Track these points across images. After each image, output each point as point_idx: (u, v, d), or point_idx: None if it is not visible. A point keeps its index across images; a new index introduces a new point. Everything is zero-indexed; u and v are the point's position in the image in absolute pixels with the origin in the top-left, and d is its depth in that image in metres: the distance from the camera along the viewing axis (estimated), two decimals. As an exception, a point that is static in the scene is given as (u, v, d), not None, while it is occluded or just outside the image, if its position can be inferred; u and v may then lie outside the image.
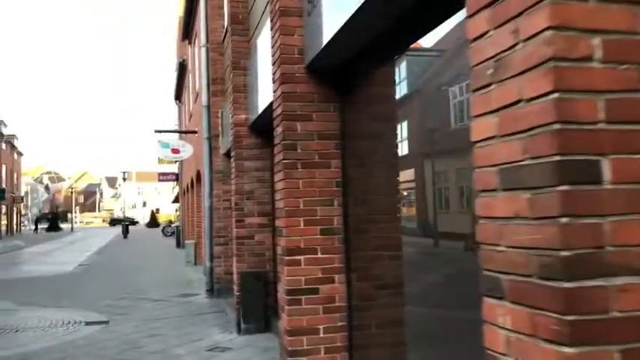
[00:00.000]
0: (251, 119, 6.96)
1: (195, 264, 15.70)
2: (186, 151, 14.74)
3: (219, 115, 9.98)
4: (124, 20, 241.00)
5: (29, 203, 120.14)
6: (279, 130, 4.12)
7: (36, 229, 53.72)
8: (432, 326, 3.50)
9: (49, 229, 55.68)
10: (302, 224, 4.14)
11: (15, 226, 52.18)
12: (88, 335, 7.10)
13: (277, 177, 4.31)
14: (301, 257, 4.11)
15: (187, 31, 17.01)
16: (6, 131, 48.04)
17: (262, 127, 6.98)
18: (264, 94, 6.17)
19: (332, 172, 4.11)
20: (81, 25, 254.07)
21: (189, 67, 17.82)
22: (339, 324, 4.02)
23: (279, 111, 4.11)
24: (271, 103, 4.52)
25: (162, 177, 30.39)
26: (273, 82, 4.27)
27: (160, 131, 15.25)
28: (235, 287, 7.19)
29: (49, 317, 8.25)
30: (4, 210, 45.63)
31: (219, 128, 10.00)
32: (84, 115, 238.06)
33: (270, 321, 6.91)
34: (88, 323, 7.82)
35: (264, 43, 5.77)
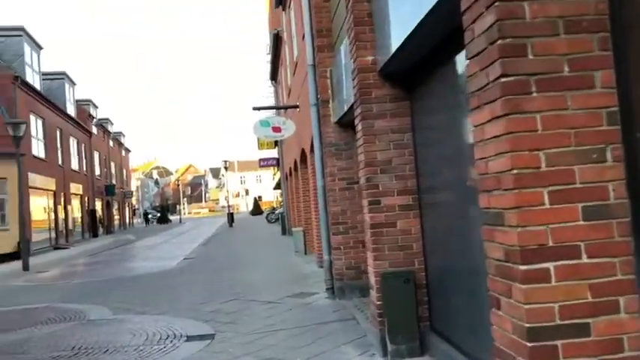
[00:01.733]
0: (381, 62, 4.99)
1: (306, 253, 14.14)
2: (288, 128, 13.08)
3: (328, 75, 8.11)
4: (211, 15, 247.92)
5: (140, 197, 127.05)
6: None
7: (146, 222, 55.66)
8: None
9: (159, 222, 57.51)
10: (546, 200, 2.13)
11: (128, 220, 54.27)
12: (187, 359, 5.55)
13: (485, 114, 2.33)
14: (550, 265, 2.12)
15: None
16: (113, 129, 49.71)
17: (398, 71, 5.00)
18: (401, 21, 4.18)
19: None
20: (160, 27, 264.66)
21: (285, 37, 16.15)
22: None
23: None
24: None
25: (263, 162, 29.38)
26: None
27: (259, 108, 13.73)
28: (374, 293, 5.31)
29: (145, 329, 6.86)
30: (115, 205, 47.29)
31: (329, 92, 8.14)
32: (185, 108, 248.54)
33: (426, 339, 4.96)
34: (189, 338, 6.30)
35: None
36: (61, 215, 28.81)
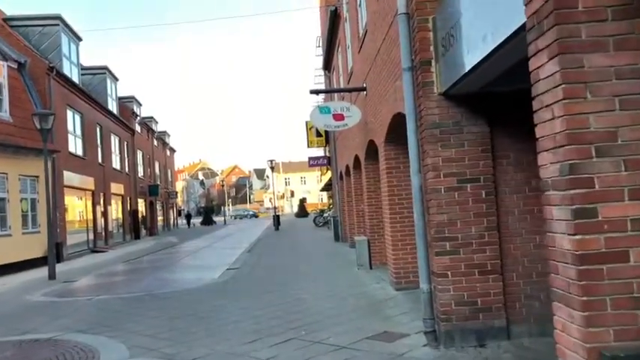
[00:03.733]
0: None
1: (371, 268, 11.71)
2: (354, 115, 10.72)
3: (430, 25, 5.66)
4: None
5: (185, 198, 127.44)
6: None
7: (188, 224, 54.17)
8: None
9: (202, 223, 56.13)
10: None
11: (172, 222, 53.04)
12: None
13: None
14: None
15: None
16: (157, 128, 48.53)
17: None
18: None
19: None
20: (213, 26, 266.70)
21: (345, 11, 13.75)
22: None
23: None
24: None
25: (313, 162, 27.13)
26: None
27: (317, 91, 11.44)
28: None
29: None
30: (159, 206, 46.01)
31: (431, 50, 5.68)
32: (231, 109, 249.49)
33: None
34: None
35: None
36: (100, 216, 27.27)
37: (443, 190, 5.63)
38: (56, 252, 20.17)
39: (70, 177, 22.49)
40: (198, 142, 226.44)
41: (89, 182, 25.47)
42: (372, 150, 11.14)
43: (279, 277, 11.69)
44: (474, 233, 5.59)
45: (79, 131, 24.69)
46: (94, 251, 24.82)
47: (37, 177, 19.32)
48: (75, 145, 23.96)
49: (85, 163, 24.98)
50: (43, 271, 15.43)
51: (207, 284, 11.59)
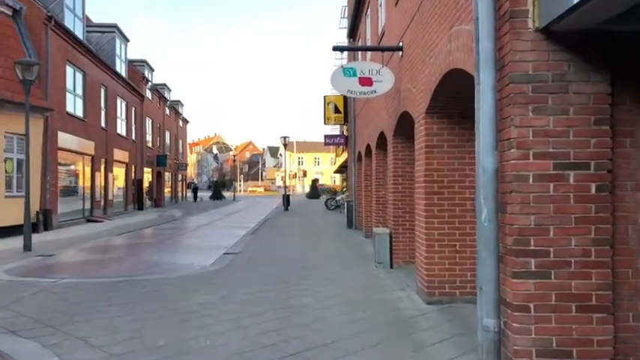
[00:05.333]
0: None
1: (392, 266, 9.81)
2: (385, 80, 8.74)
3: None
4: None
5: (196, 171, 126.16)
6: None
7: (195, 197, 52.17)
8: None
9: (212, 198, 54.47)
10: None
11: (180, 194, 51.42)
12: None
13: None
14: None
15: None
16: (170, 96, 46.70)
17: None
18: None
19: None
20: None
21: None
22: None
23: None
24: None
25: (329, 140, 25.15)
26: None
27: (341, 49, 9.49)
28: None
29: None
30: (168, 177, 44.37)
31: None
32: (249, 84, 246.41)
33: None
34: None
35: None
36: (100, 184, 25.58)
37: (532, 178, 3.68)
38: (44, 220, 18.58)
39: (66, 139, 20.74)
40: (215, 115, 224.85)
41: (89, 146, 23.74)
42: (404, 125, 9.16)
43: (281, 270, 9.83)
44: (574, 248, 3.65)
45: (79, 90, 22.88)
46: (89, 220, 23.19)
47: (25, 136, 17.54)
48: (74, 105, 22.18)
49: (85, 125, 23.22)
50: (20, 242, 13.71)
51: (196, 273, 9.77)
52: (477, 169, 3.99)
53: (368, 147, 14.81)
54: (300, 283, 8.51)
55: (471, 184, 6.89)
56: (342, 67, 8.81)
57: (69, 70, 21.44)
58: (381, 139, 11.94)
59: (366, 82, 8.68)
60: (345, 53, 20.12)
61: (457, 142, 6.92)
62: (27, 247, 13.01)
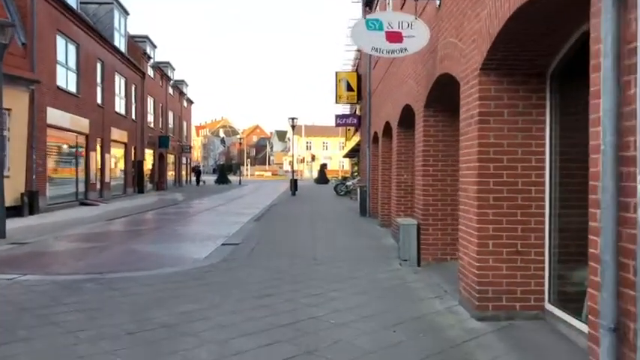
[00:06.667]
0: None
1: (419, 265, 8.16)
2: (418, 35, 7.07)
3: None
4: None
5: (205, 154, 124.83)
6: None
7: (197, 181, 50.14)
8: None
9: (217, 182, 52.94)
10: None
11: (185, 177, 49.86)
12: None
13: None
14: None
15: None
16: (174, 76, 45.02)
17: None
18: None
19: None
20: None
21: None
22: None
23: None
24: None
25: (340, 120, 23.45)
26: None
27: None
28: None
29: None
30: (172, 160, 42.82)
31: None
32: (257, 68, 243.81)
33: None
34: None
35: None
36: (95, 165, 24.04)
37: None
38: (30, 202, 17.06)
39: (56, 115, 19.16)
40: (222, 98, 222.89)
41: (83, 124, 22.17)
42: (439, 92, 7.47)
43: (287, 267, 8.21)
44: None
45: (72, 64, 21.26)
46: (83, 204, 21.69)
47: (9, 110, 15.92)
48: (66, 80, 20.57)
49: (78, 101, 21.63)
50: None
51: (186, 270, 8.15)
52: (595, 147, 2.32)
53: (387, 126, 13.10)
54: (310, 285, 6.89)
55: (539, 163, 5.20)
56: (365, 19, 7.11)
57: (60, 40, 19.80)
58: (406, 115, 10.24)
59: (394, 37, 6.97)
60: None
61: (521, 109, 5.22)
62: (1, 233, 11.46)
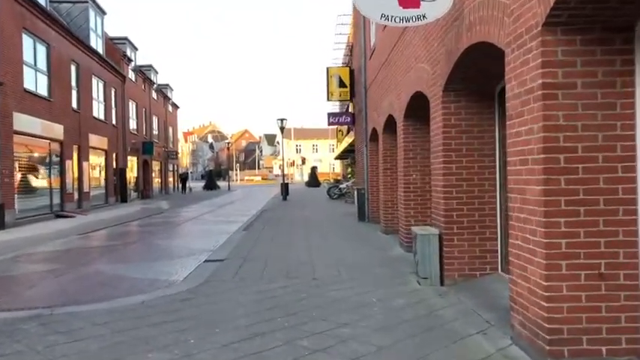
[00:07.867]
0: None
1: (442, 284, 6.71)
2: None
3: None
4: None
5: (193, 160, 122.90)
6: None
7: (184, 188, 48.00)
8: None
9: (205, 188, 51.26)
10: None
11: (172, 185, 48.09)
12: None
13: None
14: None
15: None
16: (158, 80, 43.37)
17: None
18: None
19: None
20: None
21: None
22: None
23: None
24: None
25: (333, 119, 21.97)
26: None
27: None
28: None
29: None
30: (156, 167, 41.13)
31: None
32: (244, 72, 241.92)
33: None
34: None
35: None
36: (72, 174, 22.42)
37: None
38: (-5, 216, 15.48)
39: (24, 121, 17.57)
40: (209, 104, 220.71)
41: (56, 130, 20.56)
42: (465, 71, 6.03)
43: (281, 293, 6.72)
44: None
45: (42, 65, 19.66)
46: (59, 216, 20.09)
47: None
48: (35, 82, 18.98)
49: (50, 106, 20.02)
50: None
51: (157, 298, 6.62)
52: None
53: (388, 120, 11.66)
54: (313, 318, 5.41)
55: (627, 152, 3.77)
56: (371, -22, 5.66)
57: (27, 40, 18.22)
58: (414, 106, 8.81)
59: (410, 2, 5.53)
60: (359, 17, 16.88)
61: (601, 77, 3.79)
62: (-53, 255, 9.89)
